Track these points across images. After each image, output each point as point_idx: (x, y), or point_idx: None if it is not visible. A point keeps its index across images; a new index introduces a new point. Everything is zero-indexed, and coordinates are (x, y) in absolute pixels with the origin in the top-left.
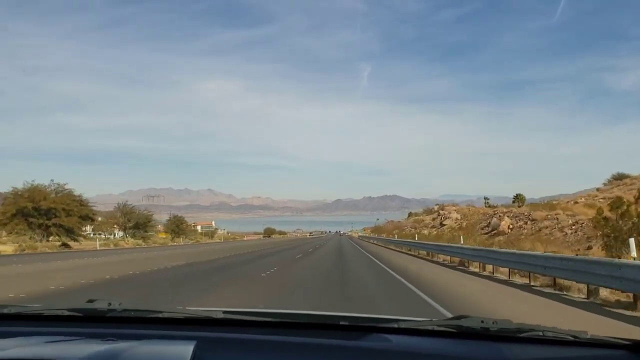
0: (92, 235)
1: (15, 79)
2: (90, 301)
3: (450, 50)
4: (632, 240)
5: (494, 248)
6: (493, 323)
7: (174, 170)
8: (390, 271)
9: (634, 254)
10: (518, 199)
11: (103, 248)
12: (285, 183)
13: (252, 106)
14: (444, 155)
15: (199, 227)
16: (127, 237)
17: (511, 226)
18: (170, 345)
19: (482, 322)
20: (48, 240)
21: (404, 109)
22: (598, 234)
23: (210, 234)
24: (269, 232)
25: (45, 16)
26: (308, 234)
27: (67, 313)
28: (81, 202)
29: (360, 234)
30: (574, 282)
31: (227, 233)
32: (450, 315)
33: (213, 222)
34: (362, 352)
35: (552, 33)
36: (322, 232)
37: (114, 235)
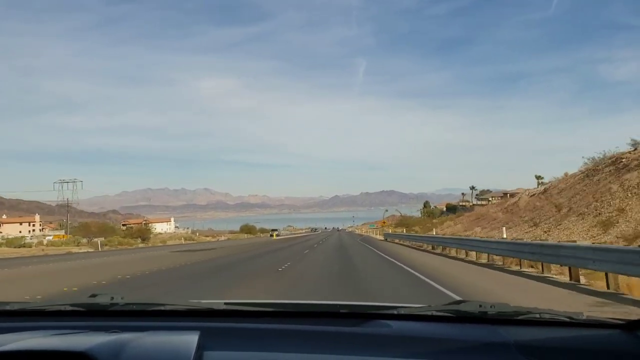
0: None
1: (9, 79)
2: (93, 296)
3: (445, 44)
4: None
5: None
6: (491, 307)
7: (170, 170)
8: None
9: None
10: None
11: None
12: (282, 180)
13: (248, 103)
14: (440, 149)
15: (157, 226)
16: None
17: None
18: (175, 336)
19: (480, 306)
20: None
21: (400, 103)
22: None
23: (142, 234)
24: (246, 231)
25: (39, 15)
26: (274, 235)
27: (69, 308)
28: None
29: (385, 230)
30: None
31: (192, 232)
32: None
33: (172, 219)
34: (363, 338)
35: (548, 25)
36: (312, 229)
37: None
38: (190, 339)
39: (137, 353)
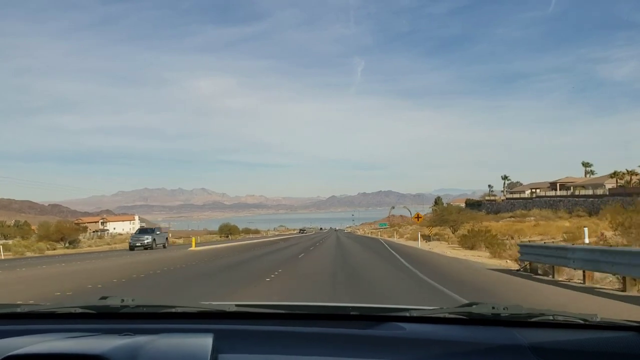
0: None
1: (3, 79)
2: (103, 298)
3: (443, 43)
4: None
5: None
6: (504, 309)
7: (167, 170)
8: None
9: None
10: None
11: None
12: (280, 181)
13: (245, 103)
14: (437, 149)
15: (112, 226)
16: None
17: None
18: (189, 338)
19: (493, 308)
20: None
21: (398, 103)
22: None
23: (64, 234)
24: (226, 231)
25: (33, 15)
26: (193, 244)
27: (80, 310)
28: None
29: (393, 227)
30: None
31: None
32: None
33: (136, 217)
34: (376, 340)
35: (547, 24)
36: (300, 230)
37: None
38: (205, 342)
39: (153, 356)
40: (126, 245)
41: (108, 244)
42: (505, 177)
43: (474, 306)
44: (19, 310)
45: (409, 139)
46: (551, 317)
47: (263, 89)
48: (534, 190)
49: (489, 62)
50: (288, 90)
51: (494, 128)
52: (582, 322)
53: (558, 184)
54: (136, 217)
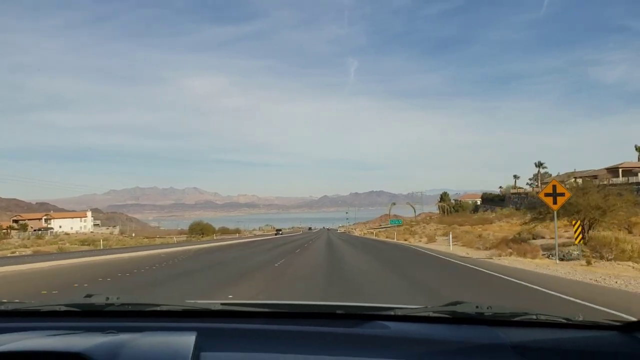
0: None
1: None
2: (88, 296)
3: (437, 45)
4: None
5: None
6: (487, 308)
7: (159, 169)
8: None
9: None
10: None
11: None
12: (272, 180)
13: (239, 102)
14: (430, 150)
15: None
16: None
17: None
18: (172, 336)
19: (477, 307)
20: None
21: (391, 104)
22: None
23: None
24: (198, 231)
25: (28, 13)
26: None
27: (64, 308)
28: None
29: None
30: None
31: (121, 233)
32: None
33: (89, 214)
34: (361, 339)
35: (540, 26)
36: (276, 231)
37: None
38: (187, 340)
39: (134, 354)
40: (54, 248)
41: (26, 246)
42: (539, 164)
43: (458, 305)
44: (2, 308)
45: (401, 140)
46: (534, 317)
47: (258, 89)
48: (587, 178)
49: (483, 64)
50: (281, 91)
51: (488, 130)
52: (564, 321)
53: (620, 170)
54: (89, 214)
